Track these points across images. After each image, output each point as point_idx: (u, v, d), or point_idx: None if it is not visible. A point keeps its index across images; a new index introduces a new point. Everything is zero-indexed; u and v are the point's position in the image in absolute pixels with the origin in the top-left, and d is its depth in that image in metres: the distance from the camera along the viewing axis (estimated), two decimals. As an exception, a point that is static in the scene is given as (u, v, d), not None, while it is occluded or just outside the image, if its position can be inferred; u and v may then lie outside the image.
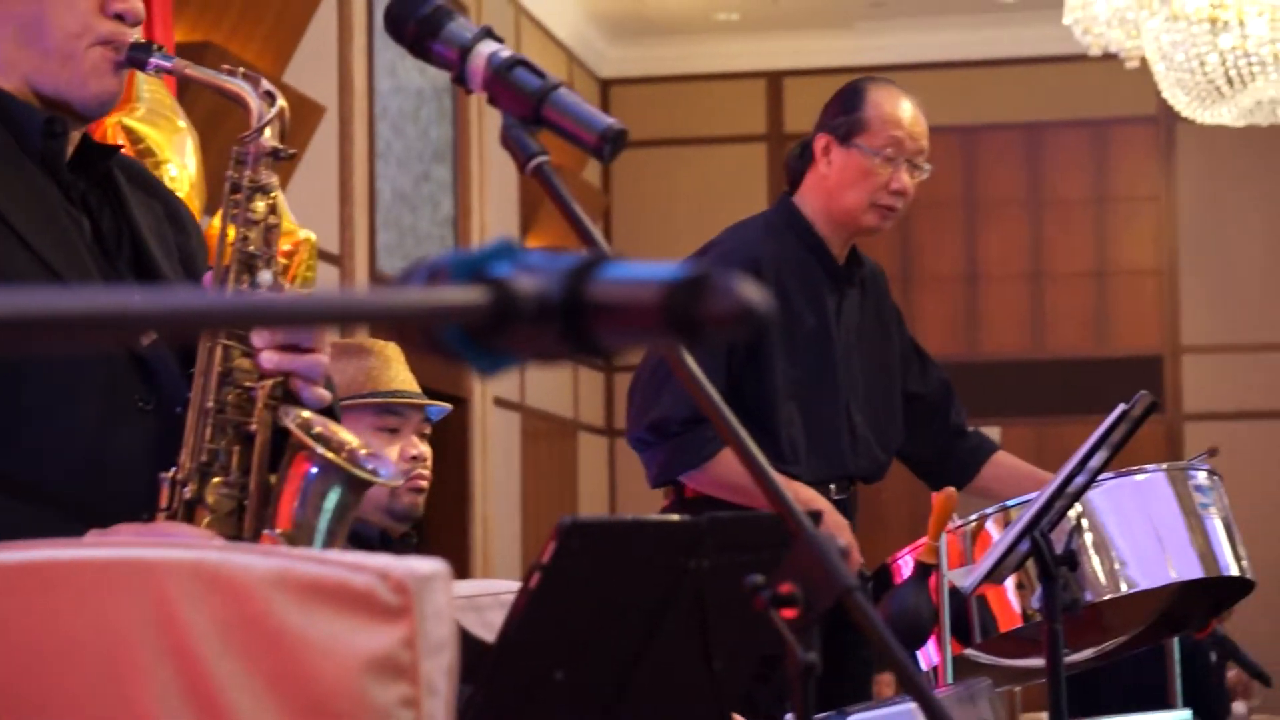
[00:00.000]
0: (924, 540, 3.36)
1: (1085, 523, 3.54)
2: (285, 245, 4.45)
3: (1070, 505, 3.30)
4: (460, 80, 2.08)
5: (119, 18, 2.24)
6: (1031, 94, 11.42)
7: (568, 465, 10.98)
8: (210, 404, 2.15)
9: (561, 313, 1.05)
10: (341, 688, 1.44)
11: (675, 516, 2.01)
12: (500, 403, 9.80)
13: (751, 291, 1.01)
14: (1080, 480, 3.23)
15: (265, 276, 2.20)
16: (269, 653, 1.44)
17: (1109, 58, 8.33)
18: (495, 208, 10.00)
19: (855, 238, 4.07)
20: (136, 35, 2.27)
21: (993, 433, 11.41)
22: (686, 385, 1.87)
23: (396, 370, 3.47)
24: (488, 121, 9.83)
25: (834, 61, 11.49)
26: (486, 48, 2.06)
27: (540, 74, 2.05)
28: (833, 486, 3.96)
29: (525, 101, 2.02)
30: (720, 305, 1.01)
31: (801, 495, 3.74)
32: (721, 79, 11.71)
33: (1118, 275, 11.35)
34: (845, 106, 4.00)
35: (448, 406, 3.62)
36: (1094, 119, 11.40)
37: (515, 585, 2.14)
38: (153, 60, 2.26)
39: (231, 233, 2.24)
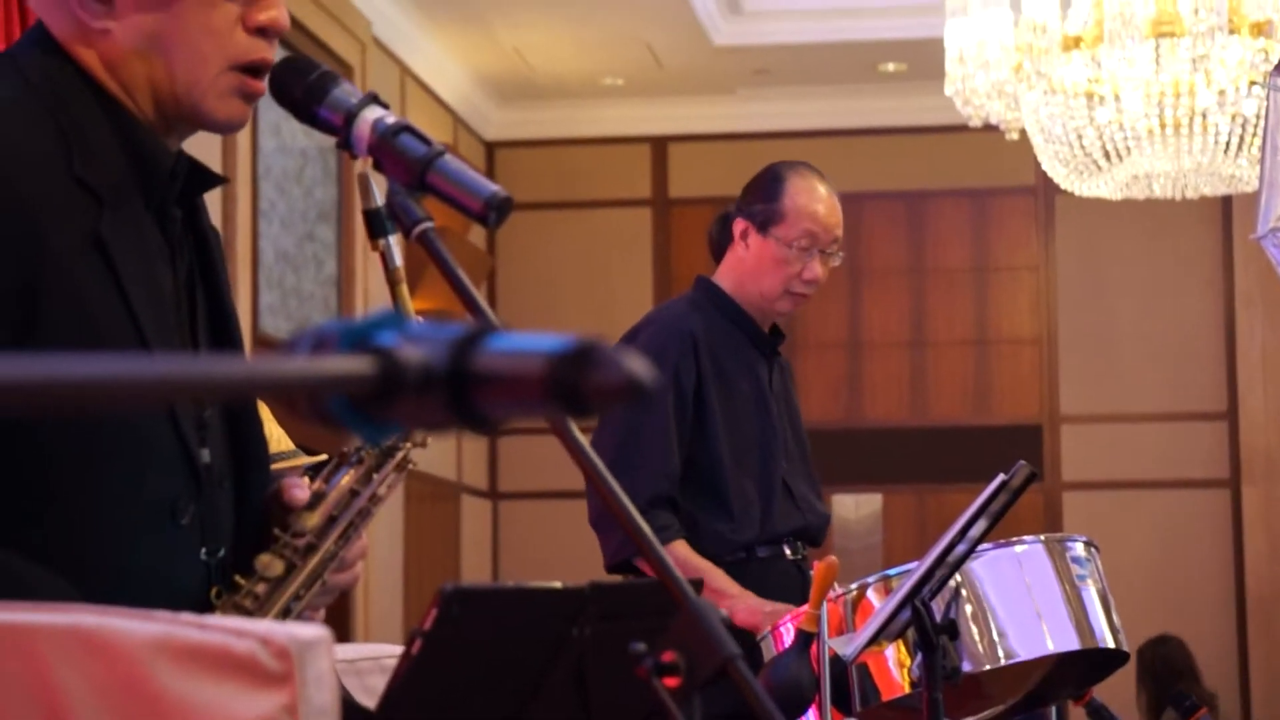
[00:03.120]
0: (805, 608, 3.37)
1: (965, 592, 3.58)
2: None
3: (951, 574, 3.34)
4: (345, 145, 2.09)
5: (261, 32, 2.13)
6: (913, 163, 11.54)
7: (450, 528, 10.94)
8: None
9: (446, 383, 1.06)
10: (220, 756, 1.43)
11: (558, 584, 2.02)
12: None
13: (636, 363, 1.02)
14: (960, 549, 3.26)
15: None
16: (148, 718, 1.43)
17: (989, 129, 8.43)
18: (379, 269, 9.94)
19: (770, 318, 4.21)
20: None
21: (874, 499, 11.50)
22: (570, 455, 1.88)
23: (269, 429, 3.46)
24: (374, 182, 9.81)
25: (718, 127, 11.58)
26: (372, 113, 2.07)
27: (425, 140, 2.06)
28: (786, 549, 4.09)
29: (410, 167, 2.04)
30: (604, 377, 1.02)
31: (739, 606, 3.85)
32: (607, 143, 11.76)
33: (998, 344, 11.47)
34: (764, 195, 4.14)
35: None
36: (975, 189, 11.53)
37: (397, 649, 2.13)
38: None
39: None
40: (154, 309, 2.05)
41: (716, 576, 3.93)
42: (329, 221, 9.49)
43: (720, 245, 4.25)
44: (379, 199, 2.05)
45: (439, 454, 10.77)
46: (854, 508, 11.27)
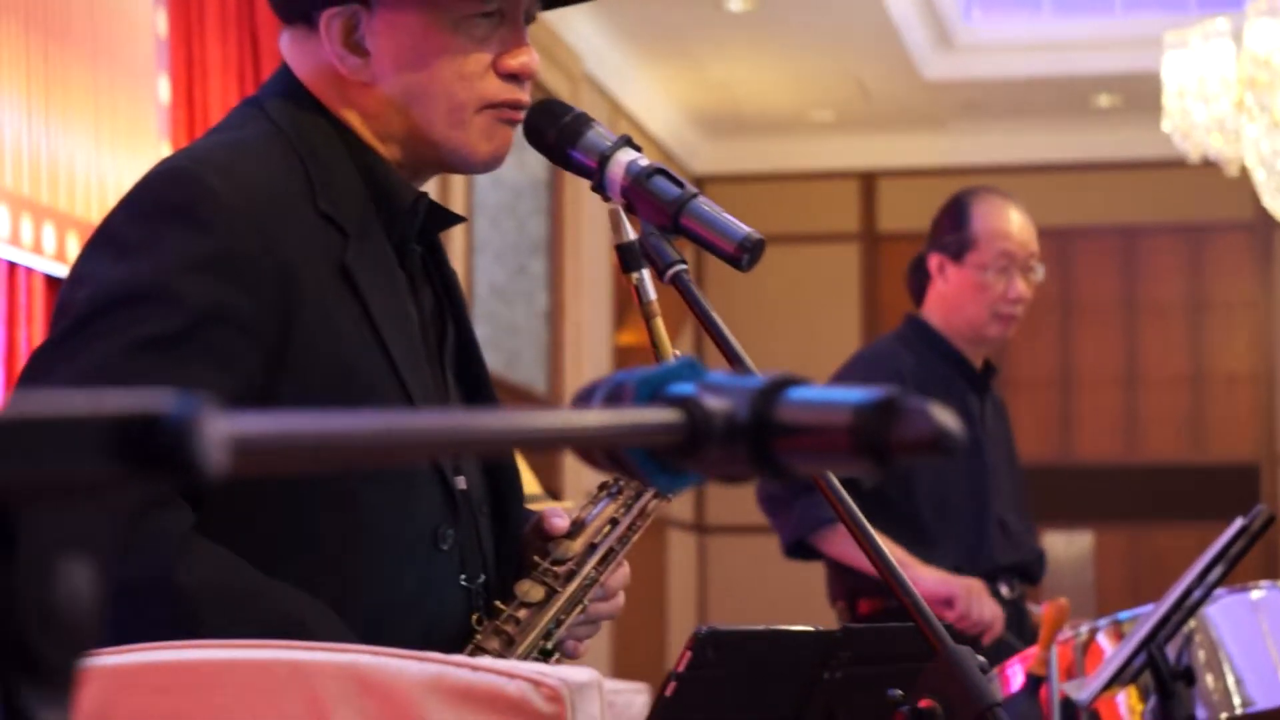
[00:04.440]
0: (1034, 650, 3.33)
1: (1199, 637, 3.51)
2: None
3: (1186, 619, 3.27)
4: (599, 188, 2.10)
5: (513, 76, 2.16)
6: (1127, 198, 11.39)
7: (656, 562, 10.96)
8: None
9: (749, 434, 1.05)
10: (494, 797, 1.44)
11: (810, 627, 2.01)
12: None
13: (944, 416, 1.01)
14: (1197, 594, 3.20)
15: None
16: (420, 759, 1.45)
17: (1207, 164, 8.30)
18: (590, 302, 10.04)
19: (984, 348, 4.16)
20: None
21: (1085, 538, 11.35)
22: (817, 485, 1.88)
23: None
24: (585, 216, 9.89)
25: (927, 161, 11.52)
26: (625, 156, 2.08)
27: (679, 182, 2.07)
28: (1003, 587, 4.03)
29: (663, 210, 2.04)
30: (913, 430, 1.01)
31: (924, 574, 3.80)
32: (815, 177, 11.74)
33: (1214, 381, 11.27)
34: (953, 224, 4.12)
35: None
36: (1190, 223, 11.36)
37: (616, 684, 2.14)
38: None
39: None
40: (403, 338, 2.08)
41: (895, 549, 3.86)
42: (541, 255, 9.57)
43: (918, 288, 4.24)
44: (630, 234, 2.05)
45: (644, 487, 10.78)
46: (1065, 546, 11.12)
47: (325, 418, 0.82)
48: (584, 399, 1.12)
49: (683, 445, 1.06)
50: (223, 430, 0.73)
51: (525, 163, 9.10)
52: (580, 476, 9.54)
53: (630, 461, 1.10)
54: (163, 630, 1.77)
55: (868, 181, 11.79)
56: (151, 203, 2.01)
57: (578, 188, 9.71)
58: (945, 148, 11.49)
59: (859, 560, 3.87)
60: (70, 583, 0.70)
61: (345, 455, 0.83)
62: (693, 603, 11.50)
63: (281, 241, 1.99)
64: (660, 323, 2.06)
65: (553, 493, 3.47)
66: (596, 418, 1.04)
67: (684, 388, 1.10)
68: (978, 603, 3.92)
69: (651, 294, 2.06)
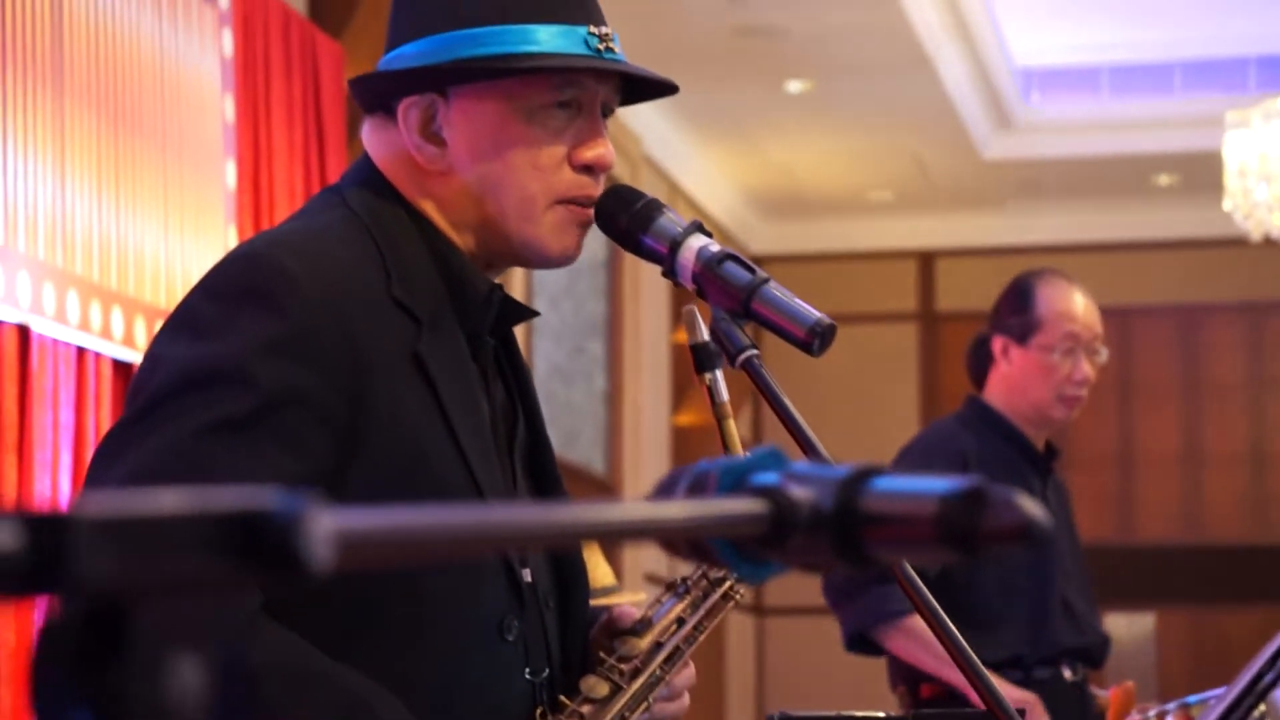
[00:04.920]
0: (1103, 733, 3.31)
1: (1269, 721, 3.48)
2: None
3: (1258, 703, 3.24)
4: (670, 274, 2.11)
5: (587, 169, 2.16)
6: (1187, 277, 11.36)
7: (714, 644, 10.93)
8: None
9: (834, 524, 1.06)
10: None
11: (880, 713, 2.00)
12: (651, 579, 9.79)
13: (1031, 506, 1.01)
14: (1270, 678, 3.17)
15: None
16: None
17: (1269, 242, 8.28)
18: (648, 383, 10.06)
19: (1047, 430, 4.15)
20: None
21: (1146, 619, 11.26)
22: (895, 577, 1.88)
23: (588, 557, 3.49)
24: (643, 298, 9.92)
25: (986, 240, 11.52)
26: (696, 242, 2.09)
27: (750, 268, 2.08)
28: (1066, 670, 4.01)
29: (734, 295, 2.05)
30: (1000, 520, 1.01)
31: (1010, 693, 3.77)
32: (873, 257, 11.75)
33: (1276, 460, 11.20)
34: (1017, 306, 4.11)
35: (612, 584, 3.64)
36: (1251, 302, 11.31)
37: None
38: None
39: None
40: (474, 428, 2.08)
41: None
42: (599, 336, 9.60)
43: (979, 370, 4.23)
44: (704, 334, 2.06)
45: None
46: (1126, 627, 11.04)
47: (425, 512, 0.83)
48: (667, 489, 1.12)
49: (768, 535, 1.06)
50: (328, 527, 0.74)
51: (584, 245, 9.13)
52: (639, 564, 9.53)
53: (714, 551, 1.10)
54: (232, 711, 1.78)
55: (926, 261, 11.79)
56: (227, 286, 2.02)
57: (636, 270, 9.74)
58: (1004, 227, 11.49)
59: (918, 658, 3.85)
60: (181, 680, 0.71)
61: (446, 549, 0.84)
62: (751, 685, 11.44)
63: (355, 327, 2.00)
64: (732, 424, 2.07)
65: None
66: (683, 509, 1.05)
67: (768, 477, 1.10)
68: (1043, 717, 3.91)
69: (724, 395, 2.07)
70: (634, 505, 1.04)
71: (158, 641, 0.71)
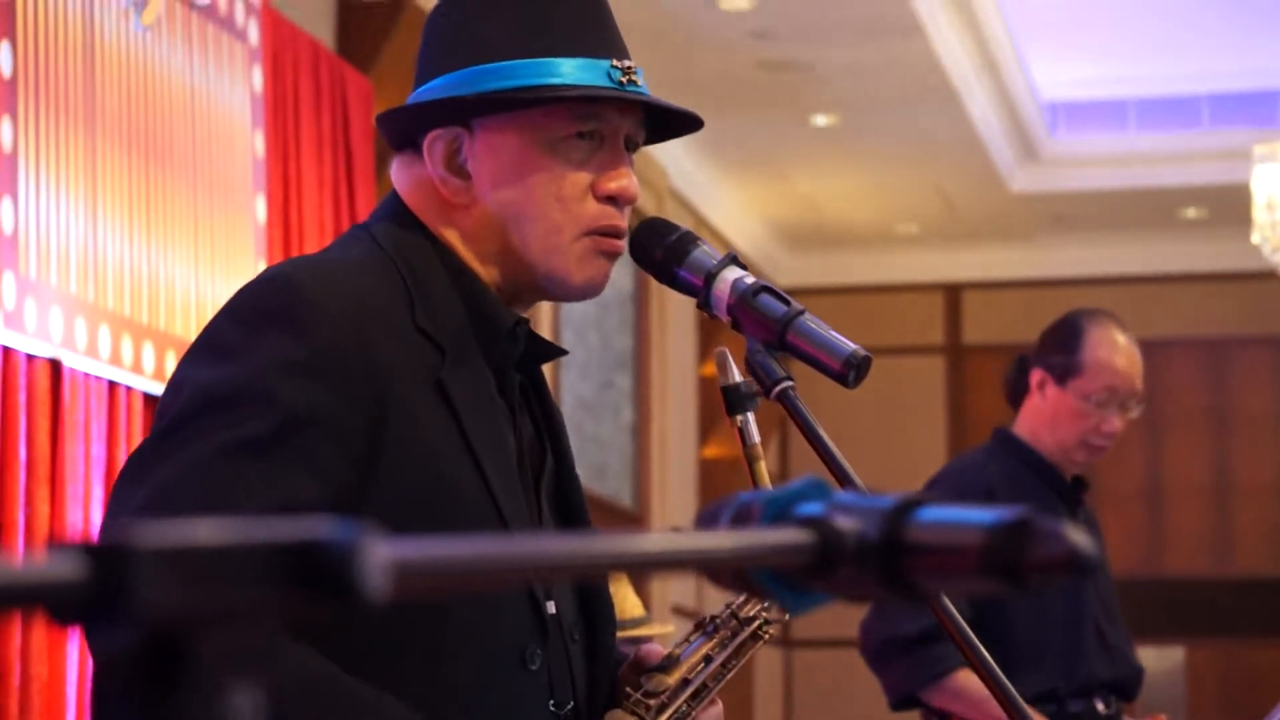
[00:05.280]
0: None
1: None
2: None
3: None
4: (705, 305, 2.11)
5: (610, 200, 2.15)
6: (1215, 309, 11.34)
7: (743, 676, 10.90)
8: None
9: (880, 555, 1.06)
10: None
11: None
12: (678, 611, 9.78)
13: (1078, 536, 1.01)
14: (1303, 710, 3.15)
15: None
16: None
17: (1298, 274, 8.27)
18: (676, 416, 10.06)
19: (1069, 469, 4.14)
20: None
21: (1176, 653, 11.22)
22: (930, 605, 1.87)
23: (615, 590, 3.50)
24: (670, 331, 9.93)
25: (1013, 274, 11.51)
26: (731, 274, 2.10)
27: (785, 300, 2.08)
28: (1099, 703, 3.99)
29: (770, 327, 2.05)
30: (1046, 551, 1.01)
31: None
32: (900, 290, 11.75)
33: (1306, 493, 11.17)
34: (1063, 346, 4.06)
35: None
36: (1280, 335, 11.29)
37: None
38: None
39: None
40: (498, 459, 2.08)
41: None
42: (626, 369, 9.61)
43: (1016, 390, 4.19)
44: (736, 376, 2.06)
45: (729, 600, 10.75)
46: (1155, 660, 11.00)
47: (477, 542, 0.83)
48: (709, 520, 1.13)
49: (813, 566, 1.06)
50: (384, 557, 0.74)
51: (611, 278, 9.14)
52: (667, 596, 9.52)
53: (758, 582, 1.11)
54: None
55: (953, 294, 11.79)
56: (249, 308, 2.03)
57: (663, 303, 9.75)
58: (1031, 260, 11.48)
59: (969, 713, 3.84)
60: (239, 710, 0.71)
61: (499, 579, 0.85)
62: (779, 717, 11.42)
63: (378, 351, 2.01)
64: (763, 466, 2.06)
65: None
66: (729, 539, 1.05)
67: (813, 508, 1.10)
68: None
69: (755, 437, 2.07)
70: (681, 536, 1.04)
71: (216, 671, 0.72)
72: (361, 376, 1.98)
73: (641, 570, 1.02)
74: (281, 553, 0.72)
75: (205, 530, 0.70)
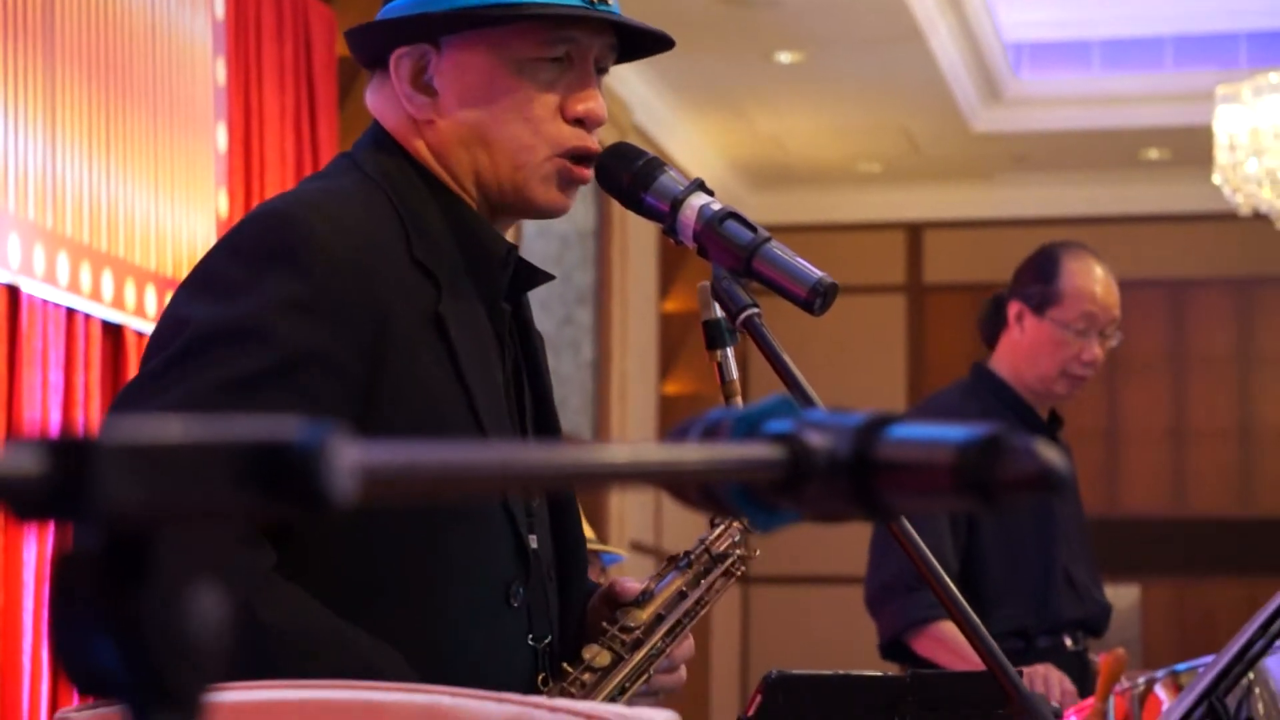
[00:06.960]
0: (1090, 701, 3.32)
1: (1258, 690, 3.48)
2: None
3: (1246, 670, 3.25)
4: (670, 232, 2.10)
5: (579, 122, 2.15)
6: (1176, 251, 11.36)
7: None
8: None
9: (850, 471, 1.05)
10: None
11: (879, 672, 2.00)
12: (636, 546, 9.79)
13: (1049, 453, 1.00)
14: (1259, 646, 3.17)
15: None
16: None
17: (1258, 217, 8.28)
18: (636, 352, 10.05)
19: (1049, 401, 4.13)
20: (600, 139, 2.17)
21: (1131, 591, 11.28)
22: (905, 550, 1.86)
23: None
24: (631, 267, 9.90)
25: (974, 213, 11.51)
26: (698, 200, 2.09)
27: (752, 227, 2.07)
28: (1067, 639, 4.02)
29: (736, 254, 2.04)
30: (1018, 467, 1.01)
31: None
32: (861, 229, 11.74)
33: (1262, 435, 11.22)
34: (1040, 276, 4.07)
35: (620, 555, 3.64)
36: (1240, 277, 11.32)
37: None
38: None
39: None
40: (488, 391, 2.09)
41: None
42: (587, 305, 9.58)
43: (992, 329, 4.19)
44: (717, 311, 2.05)
45: (686, 536, 10.77)
46: (1111, 598, 11.05)
47: (446, 448, 0.82)
48: (679, 435, 1.12)
49: (783, 482, 1.05)
50: (351, 459, 0.73)
51: (572, 213, 9.12)
52: (626, 532, 9.52)
53: (726, 498, 1.09)
54: (238, 668, 1.78)
55: (914, 233, 11.79)
56: (252, 245, 2.02)
57: (625, 239, 9.73)
58: (993, 200, 11.48)
59: (948, 663, 3.86)
60: (201, 611, 0.70)
61: (466, 484, 0.83)
62: (736, 652, 11.46)
63: (378, 288, 2.01)
64: (740, 402, 2.06)
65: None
66: (698, 453, 1.04)
67: (783, 424, 1.09)
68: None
69: (734, 373, 2.07)
70: (649, 447, 1.03)
71: (178, 571, 0.70)
72: (362, 317, 1.99)
73: (611, 480, 1.01)
74: (248, 453, 0.71)
75: (170, 427, 0.69)
